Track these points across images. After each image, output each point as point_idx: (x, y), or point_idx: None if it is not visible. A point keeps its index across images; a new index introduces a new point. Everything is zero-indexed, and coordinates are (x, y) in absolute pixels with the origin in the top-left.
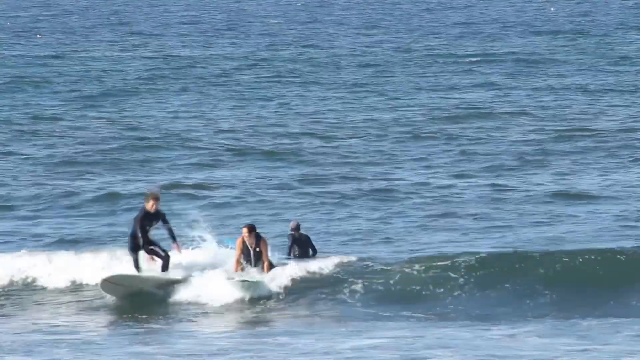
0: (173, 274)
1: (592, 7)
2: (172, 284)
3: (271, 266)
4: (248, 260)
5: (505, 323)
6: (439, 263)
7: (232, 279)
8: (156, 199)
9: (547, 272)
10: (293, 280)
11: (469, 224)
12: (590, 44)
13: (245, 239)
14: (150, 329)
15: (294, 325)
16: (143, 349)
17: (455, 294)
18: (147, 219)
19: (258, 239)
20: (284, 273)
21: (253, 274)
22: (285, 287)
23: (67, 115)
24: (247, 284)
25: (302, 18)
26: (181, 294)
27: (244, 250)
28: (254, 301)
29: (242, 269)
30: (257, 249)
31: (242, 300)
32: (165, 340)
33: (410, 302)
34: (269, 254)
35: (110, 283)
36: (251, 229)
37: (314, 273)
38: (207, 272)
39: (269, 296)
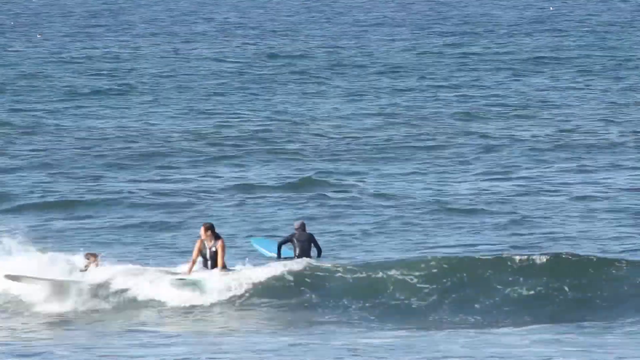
0: (74, 276)
1: (592, 6)
2: (71, 285)
3: (226, 269)
4: (206, 260)
5: (505, 325)
6: (437, 264)
7: (177, 278)
8: (95, 257)
9: (547, 274)
10: (254, 283)
11: (469, 224)
12: (590, 42)
13: (203, 238)
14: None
15: (263, 326)
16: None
17: (454, 295)
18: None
19: (217, 239)
20: (238, 276)
21: (207, 273)
22: (246, 290)
23: (69, 115)
24: (186, 282)
25: (306, 17)
26: (135, 295)
27: (203, 250)
28: (224, 302)
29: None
30: (213, 249)
31: (220, 301)
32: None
33: (409, 303)
34: (226, 255)
35: (12, 278)
36: (207, 227)
37: (276, 276)
38: (151, 273)
39: (223, 297)
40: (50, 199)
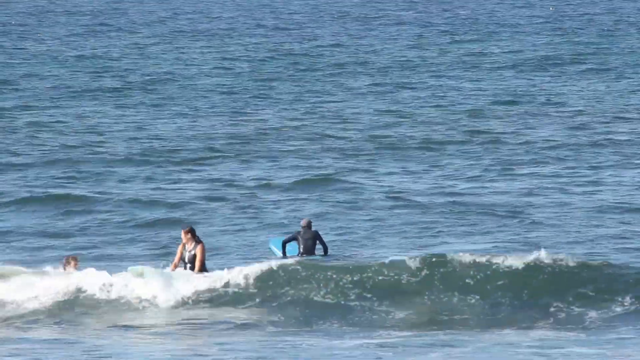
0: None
1: (592, 5)
2: (38, 277)
3: (204, 272)
4: (185, 264)
5: (505, 325)
6: (438, 262)
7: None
8: (75, 260)
9: (548, 273)
10: (252, 282)
11: (474, 223)
12: (597, 41)
13: (184, 242)
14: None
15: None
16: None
17: (454, 294)
18: None
19: (198, 242)
20: (235, 274)
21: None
22: (242, 288)
23: (70, 114)
24: (137, 270)
25: (311, 15)
26: (129, 295)
27: (183, 253)
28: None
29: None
30: (192, 252)
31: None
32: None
33: (410, 302)
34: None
35: None
36: (188, 231)
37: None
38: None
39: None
40: (50, 197)
